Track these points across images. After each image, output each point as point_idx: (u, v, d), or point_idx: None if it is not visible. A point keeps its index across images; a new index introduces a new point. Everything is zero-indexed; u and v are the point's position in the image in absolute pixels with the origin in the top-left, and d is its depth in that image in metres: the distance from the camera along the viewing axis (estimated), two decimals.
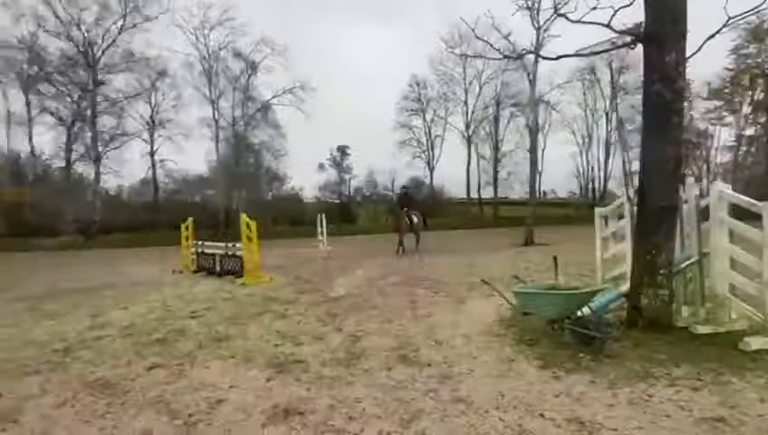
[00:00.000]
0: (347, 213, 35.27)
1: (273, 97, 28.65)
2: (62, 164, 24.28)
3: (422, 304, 4.87)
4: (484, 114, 31.04)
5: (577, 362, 2.85)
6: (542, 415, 2.16)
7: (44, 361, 3.28)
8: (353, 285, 6.37)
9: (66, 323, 4.52)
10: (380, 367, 2.89)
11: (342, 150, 36.69)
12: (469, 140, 31.09)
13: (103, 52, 23.21)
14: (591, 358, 2.87)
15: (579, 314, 3.04)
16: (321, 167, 36.73)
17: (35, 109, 23.87)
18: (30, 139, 24.19)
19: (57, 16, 21.85)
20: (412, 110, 33.08)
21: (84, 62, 22.75)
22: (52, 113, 23.70)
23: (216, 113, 27.16)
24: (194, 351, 3.41)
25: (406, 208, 11.03)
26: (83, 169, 24.66)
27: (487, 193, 32.67)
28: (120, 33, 23.15)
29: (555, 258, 4.13)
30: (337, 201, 37.84)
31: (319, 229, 14.88)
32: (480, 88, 30.71)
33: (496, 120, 31.07)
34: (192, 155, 38.30)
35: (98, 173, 23.74)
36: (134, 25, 23.31)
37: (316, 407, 2.31)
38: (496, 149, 31.22)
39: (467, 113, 31.22)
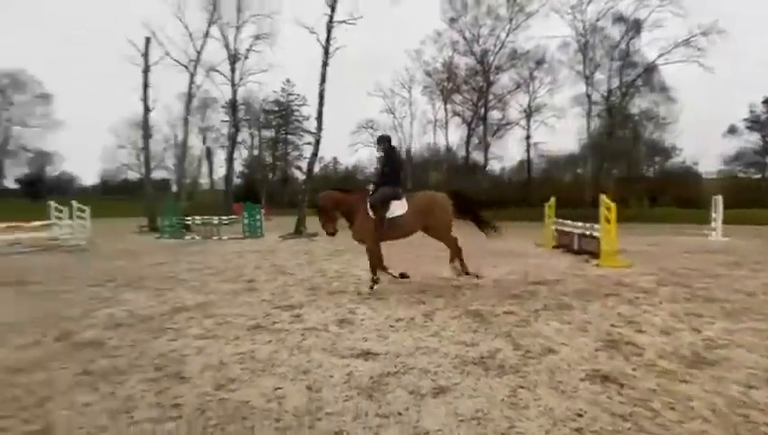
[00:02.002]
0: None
1: (660, 56, 24.26)
2: (464, 154, 31.44)
3: None
4: None
5: None
6: None
7: (449, 291, 5.01)
8: (741, 287, 5.02)
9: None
10: (737, 381, 2.49)
11: None
12: None
13: (494, 57, 27.68)
14: None
15: None
16: (733, 131, 27.75)
17: (449, 114, 32.02)
18: (446, 137, 32.89)
19: (465, 38, 28.02)
20: None
21: (481, 69, 28.07)
22: (459, 115, 31.02)
23: (590, 88, 26.24)
24: (539, 310, 4.13)
25: (376, 188, 5.10)
26: (476, 156, 30.89)
27: None
28: (507, 36, 26.78)
29: None
30: (757, 177, 27.64)
31: (712, 214, 11.89)
32: None
33: None
34: (563, 135, 38.88)
35: (486, 159, 29.06)
36: (518, 26, 26.25)
37: (637, 386, 2.43)
38: None
39: None
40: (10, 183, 45.90)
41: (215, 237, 13.14)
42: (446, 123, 32.56)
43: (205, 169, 52.38)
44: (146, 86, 17.06)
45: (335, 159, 49.88)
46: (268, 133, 47.12)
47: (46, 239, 10.81)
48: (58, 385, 2.47)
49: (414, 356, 2.90)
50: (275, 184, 48.30)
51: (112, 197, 48.09)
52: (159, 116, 43.60)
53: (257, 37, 26.44)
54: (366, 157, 41.80)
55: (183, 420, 2.05)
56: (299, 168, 48.37)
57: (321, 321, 3.80)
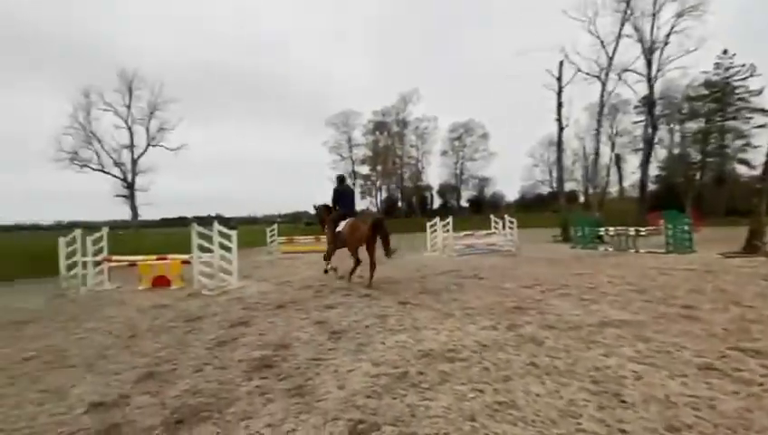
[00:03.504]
0: None
1: None
2: None
3: None
4: None
5: None
6: None
7: None
8: None
9: None
10: None
11: None
12: None
13: None
14: None
15: None
16: None
17: None
18: None
19: None
20: None
21: None
22: None
23: None
24: None
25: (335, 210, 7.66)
26: None
27: None
28: None
29: None
30: None
31: None
32: None
33: None
34: None
35: None
36: None
37: None
38: None
39: None
40: (463, 203, 63.66)
41: (630, 250, 12.00)
42: None
43: (613, 176, 49.65)
44: (560, 106, 18.36)
45: None
46: (693, 125, 38.14)
47: (487, 245, 13.86)
48: (513, 368, 2.99)
49: None
50: (705, 186, 38.18)
51: (527, 210, 55.42)
52: (568, 131, 45.84)
53: (679, 15, 22.06)
54: None
55: None
56: (744, 162, 35.80)
57: None
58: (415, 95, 56.23)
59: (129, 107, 36.13)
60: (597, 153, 19.36)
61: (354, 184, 59.04)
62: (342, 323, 4.49)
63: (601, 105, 18.99)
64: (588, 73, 18.84)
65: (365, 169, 59.77)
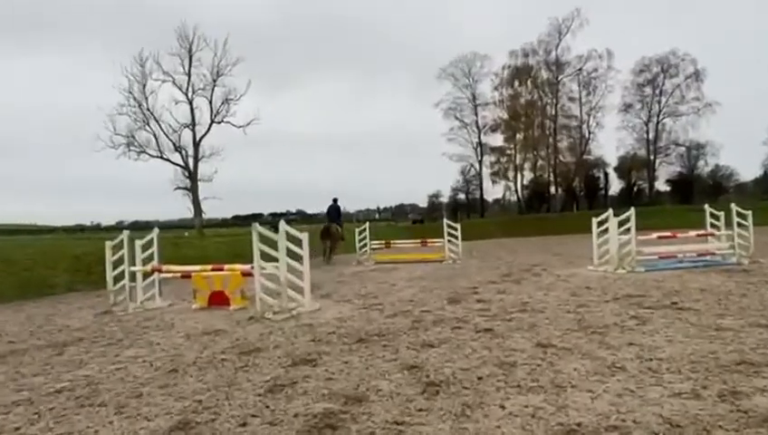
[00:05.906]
0: None
1: None
2: None
3: None
4: None
5: None
6: None
7: None
8: None
9: None
10: None
11: None
12: None
13: None
14: None
15: None
16: None
17: None
18: None
19: None
20: None
21: None
22: None
23: None
24: None
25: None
26: None
27: None
28: None
29: None
30: None
31: None
32: None
33: None
34: None
35: None
36: None
37: None
38: None
39: None
40: (661, 185, 57.11)
41: None
42: None
43: None
44: None
45: None
46: None
47: (697, 254, 12.32)
48: None
49: None
50: None
51: None
52: None
53: None
54: None
55: None
56: None
57: None
58: (575, 21, 52.89)
59: (189, 75, 41.15)
60: None
61: (481, 162, 57.75)
62: (444, 371, 4.39)
63: None
64: None
65: (497, 140, 58.17)
